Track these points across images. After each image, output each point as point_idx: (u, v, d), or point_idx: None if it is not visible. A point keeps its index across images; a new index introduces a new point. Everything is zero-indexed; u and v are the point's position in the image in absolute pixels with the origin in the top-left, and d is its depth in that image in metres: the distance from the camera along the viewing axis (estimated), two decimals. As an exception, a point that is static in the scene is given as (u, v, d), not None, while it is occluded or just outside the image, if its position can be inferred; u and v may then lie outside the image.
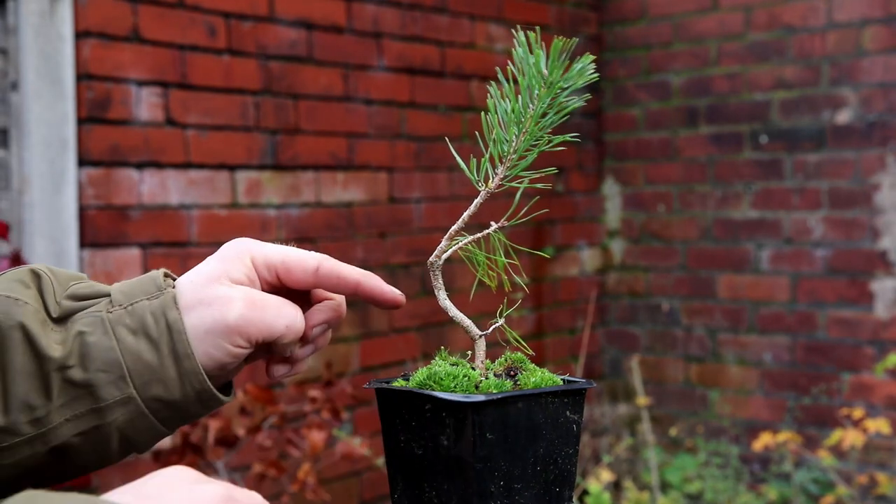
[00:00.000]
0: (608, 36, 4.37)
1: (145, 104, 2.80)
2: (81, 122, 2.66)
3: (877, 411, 3.65)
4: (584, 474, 3.58)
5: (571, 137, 0.79)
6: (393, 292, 0.80)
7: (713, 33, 4.09)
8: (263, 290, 0.78)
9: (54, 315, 0.75)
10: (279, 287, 0.79)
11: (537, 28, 0.75)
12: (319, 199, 3.26)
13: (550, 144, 0.79)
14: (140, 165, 2.79)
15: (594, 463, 3.82)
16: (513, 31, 0.76)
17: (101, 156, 2.71)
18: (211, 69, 2.95)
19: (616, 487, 3.72)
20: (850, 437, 3.03)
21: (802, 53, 3.86)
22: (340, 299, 0.82)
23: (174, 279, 0.79)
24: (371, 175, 3.42)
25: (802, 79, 3.86)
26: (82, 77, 2.66)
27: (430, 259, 0.80)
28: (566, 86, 0.76)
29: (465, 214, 0.80)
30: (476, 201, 0.80)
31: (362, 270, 0.79)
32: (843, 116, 3.78)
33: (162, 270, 0.78)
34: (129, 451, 0.77)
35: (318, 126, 3.26)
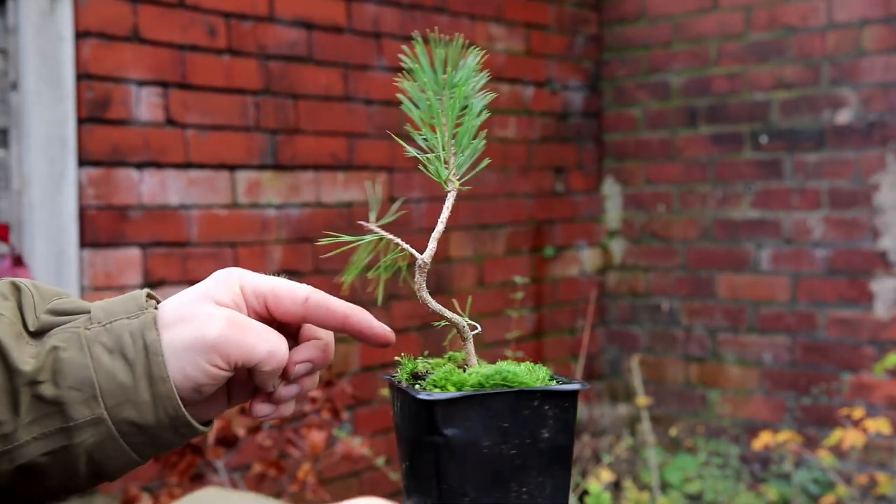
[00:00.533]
0: (608, 36, 4.37)
1: (145, 104, 2.80)
2: (81, 122, 2.66)
3: (877, 411, 3.65)
4: (584, 474, 3.58)
5: (479, 138, 0.81)
6: (382, 328, 0.78)
7: (713, 33, 4.09)
8: (250, 317, 0.76)
9: (32, 329, 0.72)
10: (267, 318, 0.77)
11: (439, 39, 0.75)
12: (319, 199, 3.26)
13: (476, 141, 0.80)
14: (140, 165, 2.79)
15: (594, 463, 3.82)
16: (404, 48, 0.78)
17: (101, 156, 2.71)
18: (211, 69, 2.95)
19: (616, 487, 3.72)
20: (850, 437, 3.03)
21: (802, 53, 3.86)
22: (329, 339, 0.79)
23: (157, 301, 0.77)
24: (371, 175, 3.42)
25: (802, 79, 3.86)
26: (82, 77, 2.66)
27: (425, 258, 0.80)
28: (455, 85, 0.78)
29: (443, 216, 0.80)
30: (448, 202, 0.80)
31: (352, 305, 0.77)
32: (843, 116, 3.78)
33: (145, 291, 0.76)
34: (98, 478, 0.74)
35: (318, 126, 3.26)
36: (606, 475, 3.06)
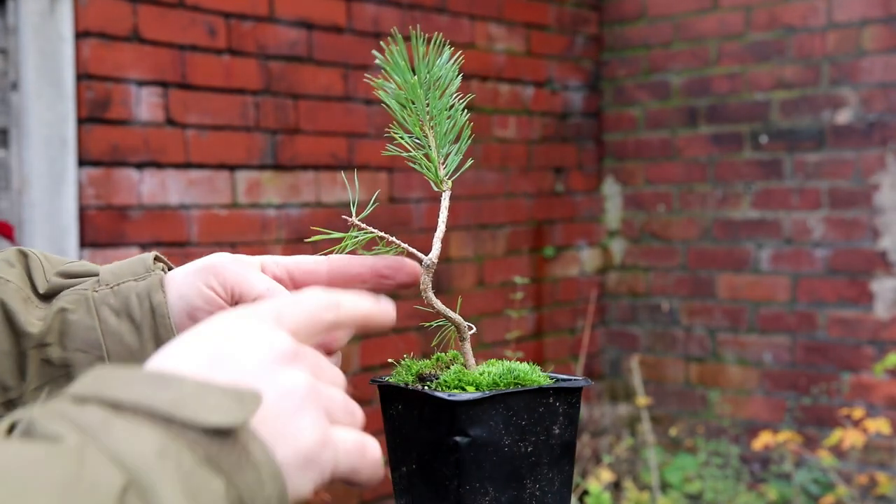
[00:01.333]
0: (608, 36, 4.37)
1: (145, 104, 2.80)
2: (81, 122, 2.66)
3: (877, 411, 3.65)
4: (584, 474, 3.58)
5: (468, 129, 0.79)
6: (412, 264, 0.76)
7: (713, 33, 4.09)
8: None
9: (42, 291, 0.72)
10: (289, 287, 0.75)
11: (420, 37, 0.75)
12: (319, 199, 3.26)
13: (462, 141, 0.79)
14: (140, 165, 2.79)
15: (594, 463, 3.82)
16: (378, 49, 0.77)
17: (101, 156, 2.71)
18: (211, 69, 2.95)
19: (616, 487, 3.72)
20: (850, 437, 3.03)
21: (802, 53, 3.86)
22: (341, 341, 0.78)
23: (166, 264, 0.76)
24: (371, 175, 3.42)
25: (802, 79, 3.86)
26: (82, 77, 2.66)
27: (432, 259, 0.79)
28: (435, 80, 0.78)
29: (442, 217, 0.79)
30: (444, 202, 0.79)
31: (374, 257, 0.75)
32: (843, 116, 3.78)
33: (153, 253, 0.76)
34: None
35: (318, 126, 3.26)
36: (606, 475, 3.06)
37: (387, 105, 0.79)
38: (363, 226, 0.78)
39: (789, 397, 3.91)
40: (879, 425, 3.01)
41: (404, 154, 0.80)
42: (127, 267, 0.74)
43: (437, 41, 0.76)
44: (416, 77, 0.77)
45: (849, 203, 3.77)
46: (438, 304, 0.78)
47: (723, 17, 4.06)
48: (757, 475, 3.90)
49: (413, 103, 0.79)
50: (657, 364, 4.26)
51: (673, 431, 3.74)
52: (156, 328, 0.71)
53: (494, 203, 3.89)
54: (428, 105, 0.79)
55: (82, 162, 2.67)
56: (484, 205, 3.83)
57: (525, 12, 4.02)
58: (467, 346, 0.79)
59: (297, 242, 3.18)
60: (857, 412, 3.19)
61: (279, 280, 0.75)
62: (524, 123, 4.01)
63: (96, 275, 0.74)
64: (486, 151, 3.82)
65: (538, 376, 0.75)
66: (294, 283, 0.76)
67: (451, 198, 0.81)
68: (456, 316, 0.79)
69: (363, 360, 3.39)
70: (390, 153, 0.78)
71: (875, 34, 3.70)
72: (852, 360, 3.77)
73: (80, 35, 2.65)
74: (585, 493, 3.09)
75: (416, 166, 0.80)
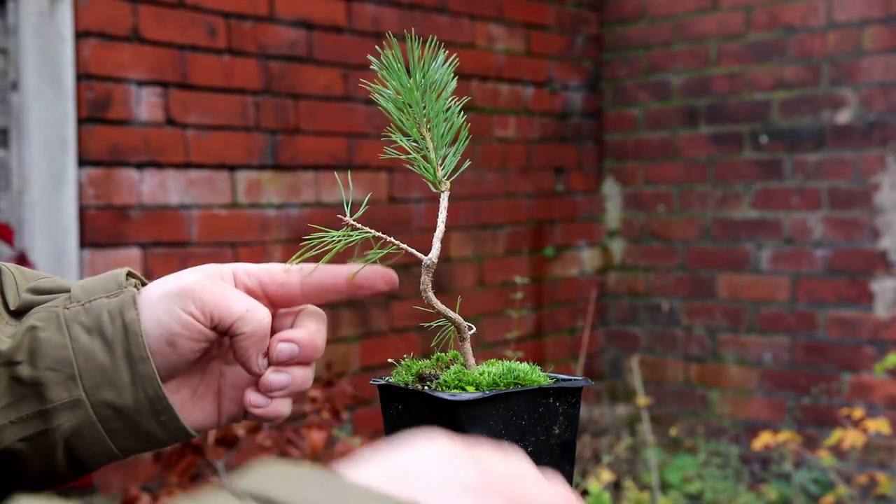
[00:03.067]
0: (608, 36, 4.37)
1: (145, 104, 2.80)
2: (81, 121, 2.66)
3: (877, 411, 3.65)
4: (584, 474, 3.58)
5: (465, 130, 0.78)
6: (387, 272, 0.74)
7: (713, 33, 4.09)
8: None
9: (12, 307, 0.71)
10: (260, 298, 0.74)
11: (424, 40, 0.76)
12: (319, 199, 3.26)
13: (461, 141, 0.79)
14: (140, 165, 2.79)
15: (594, 463, 3.82)
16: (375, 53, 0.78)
17: (101, 156, 2.71)
18: (211, 69, 2.96)
19: (616, 487, 3.72)
20: (850, 437, 3.03)
21: (802, 53, 3.86)
22: (318, 329, 0.75)
23: (139, 279, 0.75)
24: (371, 175, 3.42)
25: (802, 79, 3.86)
26: (82, 77, 2.66)
27: (431, 259, 0.79)
28: (431, 82, 0.78)
29: (441, 217, 0.79)
30: (443, 203, 0.79)
31: (350, 265, 0.74)
32: (843, 116, 3.78)
33: (125, 269, 0.74)
34: (76, 468, 0.71)
35: (318, 126, 3.26)
36: (606, 475, 3.06)
37: (384, 108, 0.79)
38: (358, 225, 0.77)
39: (789, 397, 3.91)
40: (879, 425, 3.01)
41: (402, 156, 0.80)
42: (99, 283, 0.72)
43: (432, 43, 0.75)
44: (412, 80, 0.78)
45: (849, 203, 3.77)
46: (438, 304, 0.78)
47: (723, 17, 4.06)
48: (757, 475, 3.90)
49: (410, 106, 0.79)
50: (657, 364, 4.26)
51: (673, 431, 3.74)
52: (128, 346, 0.69)
53: (494, 203, 3.89)
54: (425, 107, 0.79)
55: (82, 162, 2.67)
56: (484, 205, 3.83)
57: (525, 12, 4.02)
58: (467, 346, 0.79)
59: (296, 242, 3.18)
60: (857, 412, 3.19)
61: (251, 292, 0.73)
62: (524, 123, 4.01)
63: (68, 291, 0.72)
64: (486, 151, 3.82)
65: (538, 376, 0.75)
66: (266, 295, 0.74)
67: (451, 198, 0.81)
68: (456, 316, 0.79)
69: (363, 360, 3.40)
70: (389, 156, 0.78)
71: (875, 34, 3.70)
72: (852, 360, 3.77)
73: (80, 35, 2.66)
74: (585, 492, 3.09)
75: (414, 168, 0.80)
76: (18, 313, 0.71)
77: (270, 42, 3.10)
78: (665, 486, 3.74)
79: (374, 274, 0.74)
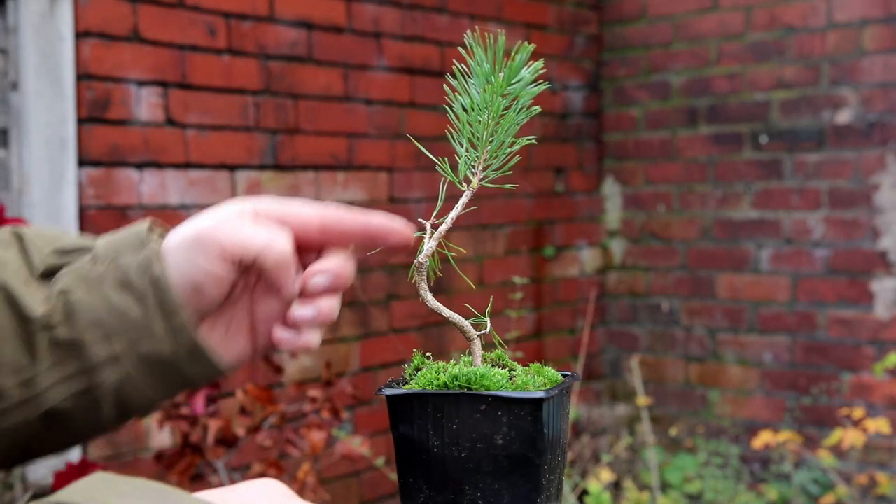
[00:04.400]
0: (608, 36, 4.37)
1: (145, 104, 2.80)
2: (81, 122, 2.66)
3: (877, 411, 3.65)
4: (583, 474, 3.58)
5: (529, 140, 0.79)
6: (403, 226, 0.75)
7: (713, 33, 4.09)
8: None
9: (39, 270, 0.72)
10: None
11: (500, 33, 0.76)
12: (319, 198, 3.26)
13: (515, 146, 0.79)
14: (140, 165, 2.79)
15: (594, 463, 3.82)
16: (469, 32, 0.77)
17: (101, 156, 2.71)
18: (211, 69, 2.96)
19: (616, 487, 3.72)
20: (850, 437, 3.03)
21: (802, 53, 3.86)
22: (346, 259, 0.75)
23: (161, 230, 0.75)
24: (371, 175, 3.42)
25: (802, 79, 3.86)
26: (82, 77, 2.66)
27: (420, 259, 0.79)
28: (514, 83, 0.78)
29: (453, 214, 0.79)
30: (461, 201, 0.80)
31: (365, 214, 0.75)
32: (843, 116, 3.78)
33: (147, 222, 0.75)
34: (125, 416, 0.73)
35: (318, 126, 3.26)
36: (606, 475, 3.06)
37: (454, 98, 0.76)
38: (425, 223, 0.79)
39: (789, 397, 3.91)
40: (879, 425, 3.01)
41: (452, 135, 0.79)
42: (122, 240, 0.73)
43: (525, 51, 0.75)
44: (493, 82, 0.77)
45: (849, 203, 3.77)
46: (435, 303, 0.78)
47: (723, 17, 4.06)
48: (757, 475, 3.90)
49: (483, 108, 0.77)
50: (657, 364, 4.26)
51: (673, 431, 3.74)
52: (160, 299, 0.70)
53: (494, 203, 3.89)
54: (491, 109, 0.79)
55: (82, 162, 2.67)
56: (484, 205, 3.83)
57: (525, 12, 4.02)
58: (474, 346, 0.80)
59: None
60: (857, 412, 3.19)
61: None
62: (524, 123, 4.00)
63: (90, 249, 0.73)
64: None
65: (500, 382, 0.72)
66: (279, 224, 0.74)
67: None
68: (452, 315, 0.79)
69: (363, 360, 3.40)
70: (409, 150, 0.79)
71: (875, 34, 3.70)
72: (852, 360, 3.77)
73: (80, 35, 2.66)
74: (585, 492, 3.09)
75: (439, 168, 0.80)
76: (46, 275, 0.72)
77: (270, 42, 3.10)
78: (665, 486, 3.74)
79: (388, 229, 0.75)
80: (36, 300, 0.70)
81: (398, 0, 3.51)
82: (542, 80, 0.80)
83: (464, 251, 0.79)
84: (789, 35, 3.89)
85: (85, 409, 0.71)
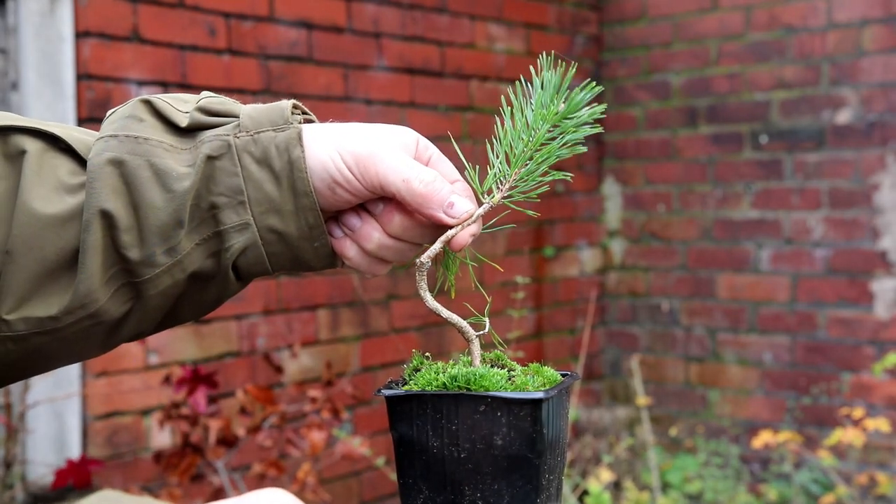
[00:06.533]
0: (608, 36, 4.37)
1: (145, 104, 2.80)
2: (81, 122, 2.66)
3: (877, 411, 3.65)
4: (584, 474, 3.58)
5: (564, 176, 0.83)
6: (463, 238, 0.83)
7: (713, 33, 4.09)
8: None
9: (183, 125, 0.74)
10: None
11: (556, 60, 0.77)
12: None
13: (549, 176, 0.82)
14: (140, 165, 2.79)
15: (594, 463, 3.82)
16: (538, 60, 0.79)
17: (101, 156, 2.71)
18: (211, 69, 2.96)
19: (616, 487, 3.72)
20: (850, 437, 3.03)
21: (802, 53, 3.86)
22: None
23: (304, 112, 0.79)
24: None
25: (802, 79, 3.86)
26: (82, 77, 2.66)
27: (422, 259, 0.80)
28: (570, 118, 0.82)
29: (469, 221, 0.81)
30: (479, 211, 0.81)
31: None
32: (843, 116, 3.78)
33: (291, 102, 0.78)
34: (243, 282, 0.77)
35: (318, 126, 3.26)
36: (606, 475, 3.06)
37: (506, 111, 0.80)
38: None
39: (789, 397, 3.91)
40: (879, 425, 3.01)
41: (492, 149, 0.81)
42: (265, 114, 0.76)
43: (590, 90, 0.81)
44: (548, 109, 0.79)
45: (849, 203, 3.77)
46: (434, 303, 0.78)
47: (723, 17, 4.06)
48: (757, 475, 3.90)
49: (530, 129, 0.80)
50: (657, 364, 4.26)
51: (673, 431, 3.74)
52: (293, 180, 0.74)
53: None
54: (534, 138, 0.79)
55: (82, 162, 2.67)
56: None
57: (525, 12, 4.02)
58: (473, 346, 0.80)
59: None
60: (857, 412, 3.19)
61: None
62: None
63: (236, 116, 0.76)
64: (486, 151, 3.81)
65: (500, 383, 0.72)
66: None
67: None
68: (451, 315, 0.79)
69: (363, 360, 3.40)
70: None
71: (875, 34, 3.70)
72: (852, 360, 3.77)
73: (80, 35, 2.66)
74: (585, 493, 3.09)
75: (469, 175, 0.81)
76: (189, 131, 0.75)
77: (270, 42, 3.10)
78: (665, 486, 3.74)
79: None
80: (181, 167, 0.73)
81: (398, 0, 3.51)
82: (596, 124, 0.81)
83: (500, 269, 0.81)
84: (789, 35, 3.89)
85: (217, 272, 0.75)
